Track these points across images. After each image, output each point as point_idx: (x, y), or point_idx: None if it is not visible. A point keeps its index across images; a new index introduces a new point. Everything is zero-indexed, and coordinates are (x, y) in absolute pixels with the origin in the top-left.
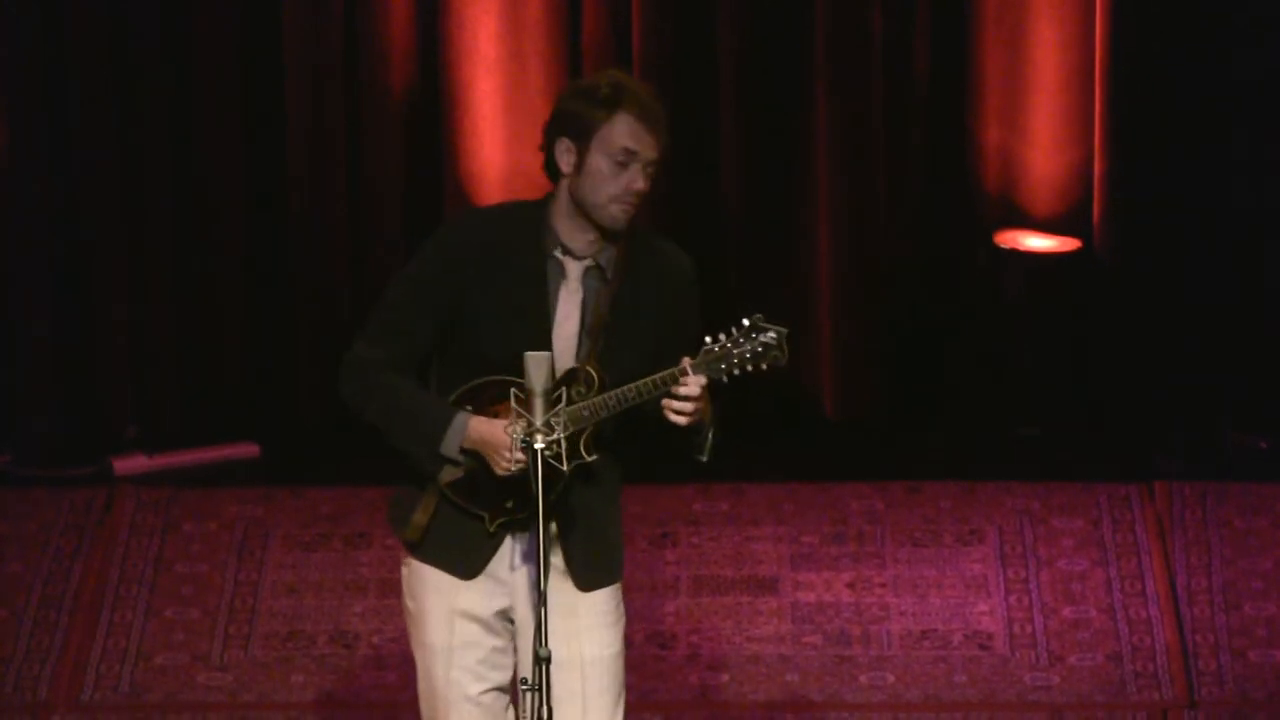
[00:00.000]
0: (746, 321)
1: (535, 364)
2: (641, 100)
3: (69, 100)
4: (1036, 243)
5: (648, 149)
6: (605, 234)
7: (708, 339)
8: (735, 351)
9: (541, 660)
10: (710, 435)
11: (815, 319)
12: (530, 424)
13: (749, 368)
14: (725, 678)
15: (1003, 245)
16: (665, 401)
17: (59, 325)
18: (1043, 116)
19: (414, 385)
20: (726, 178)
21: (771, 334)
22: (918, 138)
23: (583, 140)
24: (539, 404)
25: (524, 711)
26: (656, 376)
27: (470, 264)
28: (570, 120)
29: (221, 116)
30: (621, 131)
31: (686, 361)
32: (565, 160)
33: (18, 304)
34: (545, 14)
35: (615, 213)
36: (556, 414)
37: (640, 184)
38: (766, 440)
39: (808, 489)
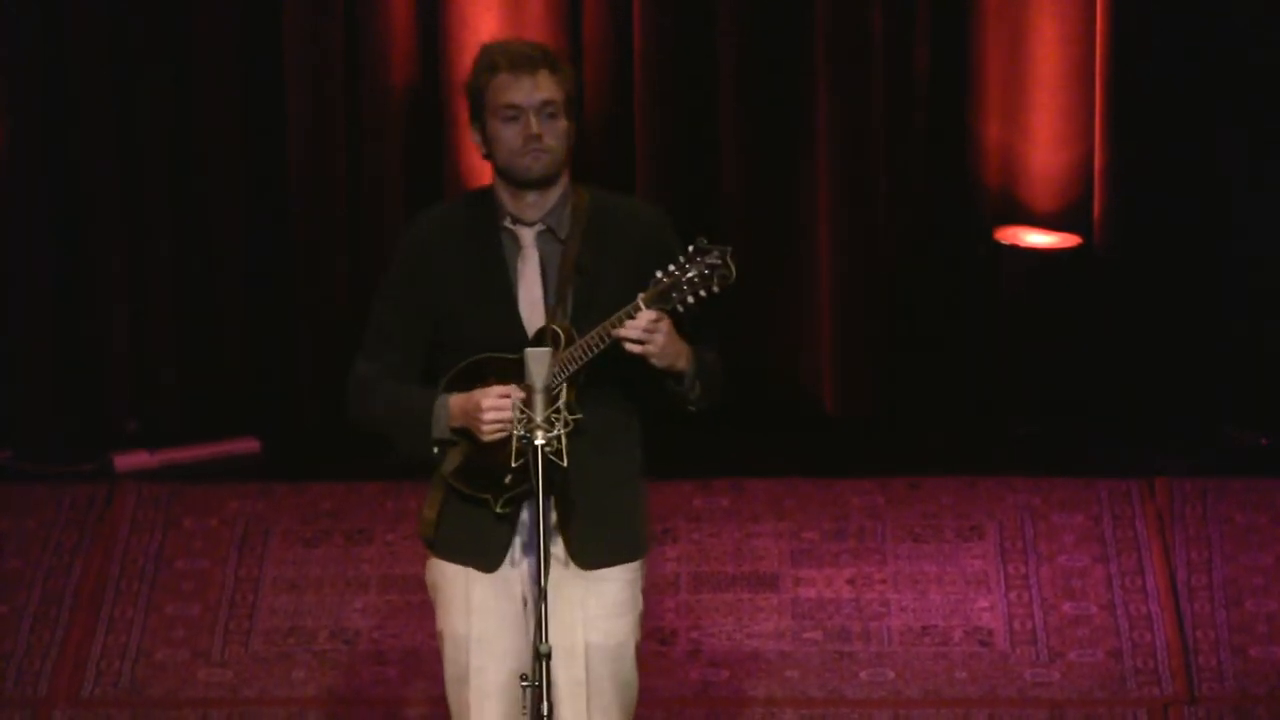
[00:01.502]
0: (691, 248)
1: (535, 360)
2: (507, 54)
3: (69, 100)
4: (1037, 239)
5: (529, 94)
6: (537, 189)
7: (658, 273)
8: (684, 279)
9: (542, 656)
10: (697, 385)
11: (816, 315)
12: (531, 419)
13: (701, 292)
14: (725, 674)
15: (1003, 241)
16: (620, 336)
17: (59, 323)
18: (1043, 113)
19: (405, 386)
20: (727, 176)
21: (715, 254)
22: (918, 135)
23: (479, 118)
24: (539, 400)
25: (525, 707)
26: (613, 317)
27: (433, 257)
28: (469, 108)
29: (221, 116)
30: (497, 92)
31: (640, 297)
32: (479, 143)
33: (18, 302)
34: (546, 10)
35: (526, 164)
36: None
37: (535, 129)
38: (767, 436)
39: (808, 485)
